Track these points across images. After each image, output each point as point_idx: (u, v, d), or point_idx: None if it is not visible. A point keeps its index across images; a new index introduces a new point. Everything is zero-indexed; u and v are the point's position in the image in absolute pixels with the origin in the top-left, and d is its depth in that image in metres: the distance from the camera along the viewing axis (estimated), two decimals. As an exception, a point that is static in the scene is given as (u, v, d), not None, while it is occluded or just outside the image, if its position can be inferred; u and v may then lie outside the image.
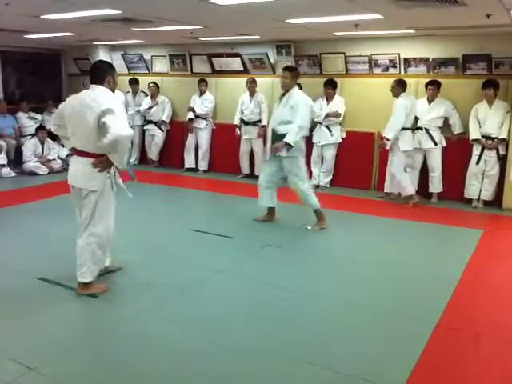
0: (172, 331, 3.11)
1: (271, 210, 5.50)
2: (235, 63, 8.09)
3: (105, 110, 3.25)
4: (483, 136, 6.18)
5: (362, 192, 7.07)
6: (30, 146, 8.08)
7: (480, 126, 6.18)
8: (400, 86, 6.24)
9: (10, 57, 9.47)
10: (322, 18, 5.30)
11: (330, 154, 7.26)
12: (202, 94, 8.21)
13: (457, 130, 6.49)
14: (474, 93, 6.36)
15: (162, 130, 8.73)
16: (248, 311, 3.43)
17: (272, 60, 7.73)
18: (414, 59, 6.80)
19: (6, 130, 8.39)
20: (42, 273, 3.88)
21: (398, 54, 6.85)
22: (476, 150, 6.25)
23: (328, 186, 7.31)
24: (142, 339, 3.00)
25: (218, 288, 3.80)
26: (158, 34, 6.98)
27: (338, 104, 7.17)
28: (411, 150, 6.36)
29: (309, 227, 5.25)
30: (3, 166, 7.88)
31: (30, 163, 8.01)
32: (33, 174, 7.94)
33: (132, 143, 8.24)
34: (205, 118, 8.24)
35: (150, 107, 8.62)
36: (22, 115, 8.82)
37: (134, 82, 8.93)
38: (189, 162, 8.48)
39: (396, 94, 6.25)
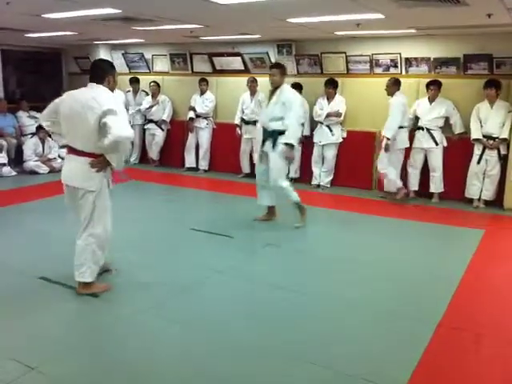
0: (172, 331, 3.11)
1: (271, 209, 5.50)
2: (236, 62, 8.08)
3: (106, 110, 3.22)
4: (484, 136, 6.18)
5: (362, 192, 7.06)
6: (30, 145, 8.08)
7: (481, 126, 6.18)
8: (396, 85, 6.34)
9: (11, 56, 9.46)
10: (323, 17, 5.31)
11: (331, 154, 7.25)
12: (202, 93, 8.21)
13: (458, 129, 6.49)
14: (475, 93, 6.35)
15: (163, 130, 8.73)
16: (248, 311, 3.42)
17: (273, 59, 7.70)
18: (416, 59, 6.79)
19: (7, 129, 8.38)
20: (42, 272, 3.88)
21: (400, 54, 6.84)
22: (477, 150, 6.25)
23: (329, 185, 7.29)
24: (142, 339, 2.99)
25: (219, 288, 3.80)
26: (159, 33, 6.98)
27: (339, 104, 7.16)
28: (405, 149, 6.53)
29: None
30: (4, 165, 7.87)
31: (31, 162, 8.01)
32: (33, 173, 7.93)
33: (132, 143, 8.23)
34: (205, 118, 8.23)
35: (151, 106, 8.62)
36: (22, 114, 8.80)
37: (134, 81, 8.93)
38: (189, 161, 8.48)
39: (391, 93, 6.33)
